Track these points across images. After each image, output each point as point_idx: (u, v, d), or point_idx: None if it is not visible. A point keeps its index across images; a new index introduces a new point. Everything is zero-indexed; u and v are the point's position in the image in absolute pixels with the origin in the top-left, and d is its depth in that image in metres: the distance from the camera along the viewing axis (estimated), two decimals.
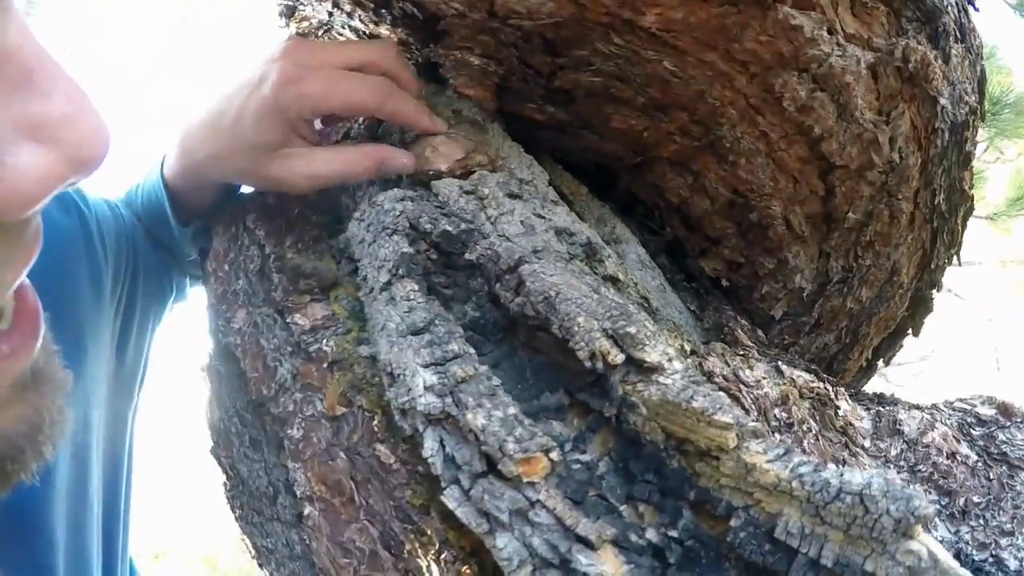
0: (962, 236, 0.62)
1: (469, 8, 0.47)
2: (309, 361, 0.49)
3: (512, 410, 0.38)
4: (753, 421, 0.36)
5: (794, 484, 0.33)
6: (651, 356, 0.39)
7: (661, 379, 0.38)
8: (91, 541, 0.58)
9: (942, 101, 0.54)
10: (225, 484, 0.54)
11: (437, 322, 0.43)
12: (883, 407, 0.52)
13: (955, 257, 0.63)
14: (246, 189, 0.61)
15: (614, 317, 0.40)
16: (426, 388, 0.39)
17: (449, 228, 0.48)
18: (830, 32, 0.50)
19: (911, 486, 0.48)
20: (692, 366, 0.40)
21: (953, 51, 0.54)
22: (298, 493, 0.51)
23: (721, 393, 0.38)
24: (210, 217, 0.60)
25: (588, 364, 0.39)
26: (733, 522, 0.35)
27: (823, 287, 0.63)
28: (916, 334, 0.68)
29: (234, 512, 0.55)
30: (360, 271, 0.51)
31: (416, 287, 0.45)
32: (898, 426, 0.51)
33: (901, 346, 0.70)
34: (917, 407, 0.53)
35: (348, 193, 0.55)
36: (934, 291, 0.66)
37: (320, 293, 0.52)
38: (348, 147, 0.54)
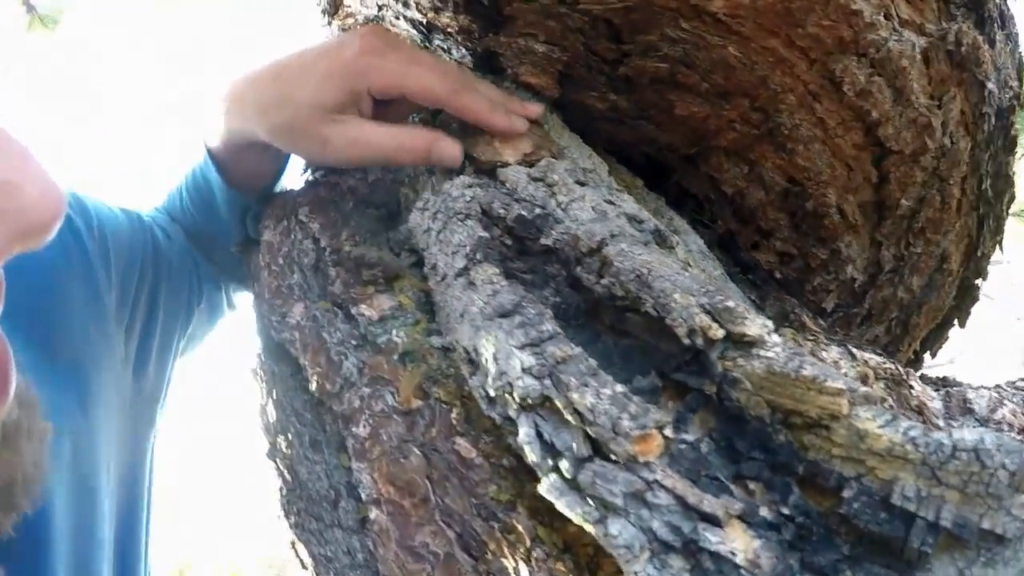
0: (1005, 223, 0.62)
1: None
2: (378, 353, 0.47)
3: (620, 388, 0.37)
4: (863, 387, 0.36)
5: (908, 447, 0.32)
6: (751, 329, 0.38)
7: (763, 352, 0.37)
8: None
9: (989, 85, 0.55)
10: (281, 489, 0.52)
11: (525, 304, 0.42)
12: (950, 388, 0.52)
13: (999, 245, 0.64)
14: (293, 176, 0.60)
15: (710, 292, 0.40)
16: (524, 370, 0.38)
17: (524, 213, 0.47)
18: (887, 17, 0.50)
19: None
20: (788, 339, 0.39)
21: (997, 37, 0.55)
22: (363, 496, 0.49)
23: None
24: (260, 205, 0.58)
25: (687, 341, 0.38)
26: (846, 493, 0.34)
27: (874, 277, 0.63)
28: (963, 325, 0.68)
29: (288, 519, 0.52)
30: (427, 260, 0.49)
31: (497, 271, 0.44)
32: (968, 404, 0.51)
33: (947, 338, 0.70)
34: (982, 387, 0.53)
35: (407, 183, 0.54)
36: (980, 280, 0.66)
37: (384, 284, 0.50)
38: (401, 127, 0.52)
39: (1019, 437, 0.49)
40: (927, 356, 0.72)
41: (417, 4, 0.52)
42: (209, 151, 0.58)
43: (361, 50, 0.48)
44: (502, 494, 0.43)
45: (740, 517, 0.33)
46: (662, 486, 0.34)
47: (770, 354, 0.37)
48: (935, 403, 0.51)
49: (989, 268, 0.70)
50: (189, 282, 0.67)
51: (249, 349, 0.56)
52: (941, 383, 0.54)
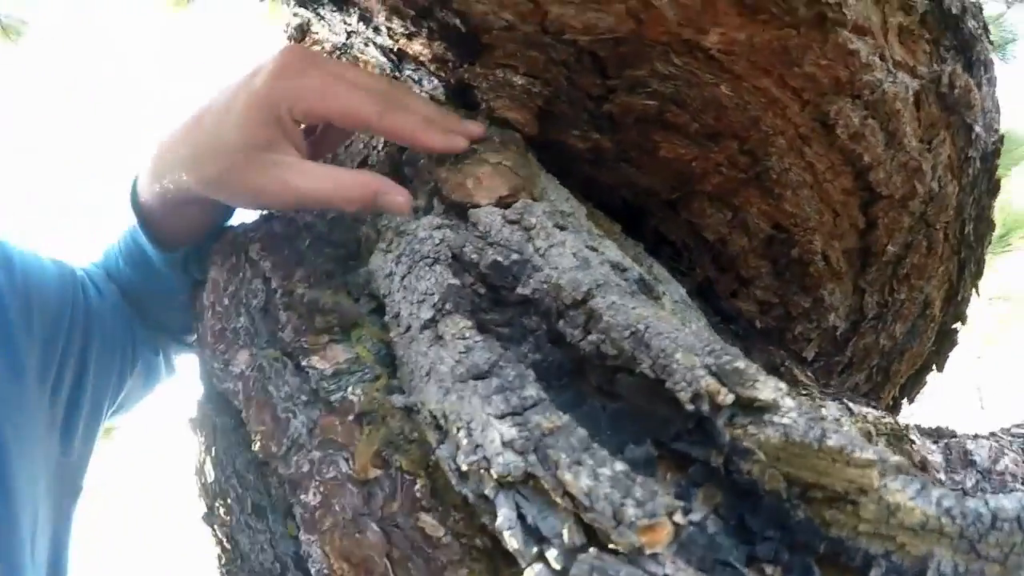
0: (984, 267, 0.61)
1: (520, 20, 0.43)
2: (331, 412, 0.42)
3: (620, 466, 0.32)
4: (894, 456, 0.32)
5: (944, 520, 0.29)
6: (764, 393, 0.34)
7: (777, 418, 0.33)
8: None
9: (977, 129, 0.54)
10: (219, 558, 0.46)
11: (503, 363, 0.37)
12: (948, 439, 0.49)
13: (976, 288, 0.62)
14: (236, 218, 0.54)
15: (716, 352, 0.36)
16: (504, 444, 0.33)
17: (499, 258, 0.42)
18: (881, 59, 0.48)
19: None
20: (805, 403, 0.35)
21: (983, 79, 0.54)
22: (312, 570, 0.43)
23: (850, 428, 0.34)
24: (203, 246, 0.52)
25: (691, 407, 0.34)
26: (874, 573, 0.30)
27: (857, 325, 0.60)
28: (940, 369, 0.67)
29: None
30: (389, 308, 0.44)
31: (469, 323, 0.39)
32: (969, 456, 0.48)
33: (925, 383, 0.68)
34: (979, 436, 0.50)
35: (369, 223, 0.49)
36: (959, 324, 0.65)
37: (340, 333, 0.45)
38: (343, 169, 0.47)
39: (1022, 488, 0.47)
40: (904, 402, 0.70)
41: (388, 30, 0.47)
42: (140, 213, 0.52)
43: (273, 73, 0.43)
44: None
45: None
46: None
47: (785, 420, 0.33)
48: (936, 456, 0.49)
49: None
50: (123, 344, 0.61)
51: (190, 396, 0.50)
52: (936, 434, 0.52)
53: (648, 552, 0.30)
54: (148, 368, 0.65)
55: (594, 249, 0.46)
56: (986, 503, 0.30)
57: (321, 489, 0.41)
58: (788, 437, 0.32)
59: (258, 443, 0.43)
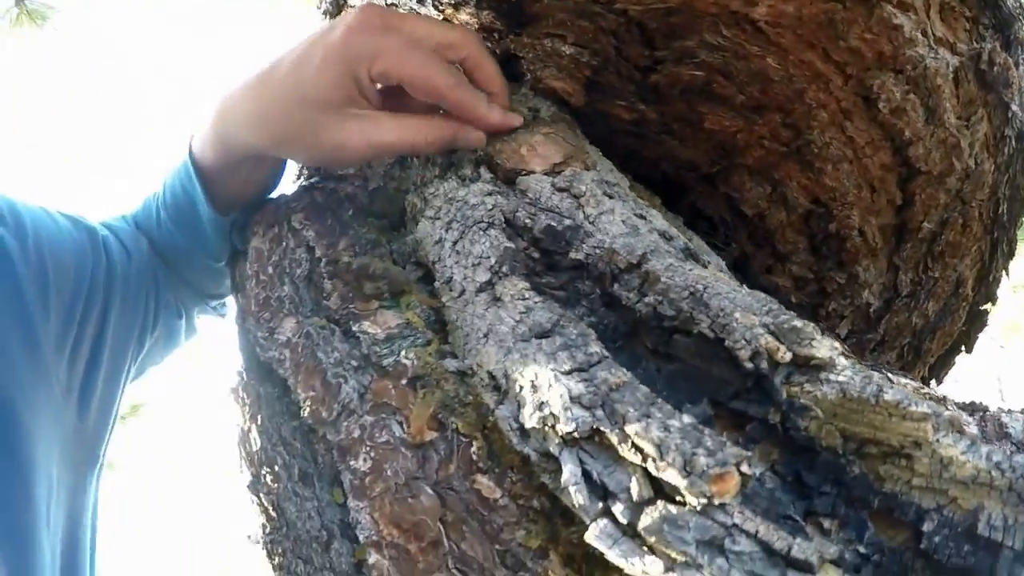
0: (1016, 248, 0.61)
1: None
2: (384, 376, 0.42)
3: (687, 419, 0.32)
4: (947, 411, 0.32)
5: (994, 473, 0.30)
6: (821, 351, 0.34)
7: (833, 376, 0.34)
8: None
9: (1013, 107, 0.54)
10: (264, 527, 0.46)
11: (564, 323, 0.37)
12: (983, 412, 0.50)
13: (1007, 270, 0.63)
14: (288, 183, 0.54)
15: (773, 312, 0.36)
16: (572, 399, 0.33)
17: (552, 223, 0.42)
18: (924, 34, 0.49)
19: None
20: (857, 361, 0.35)
21: (1021, 59, 0.55)
22: (361, 537, 0.43)
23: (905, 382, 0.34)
24: (248, 213, 0.52)
25: (749, 365, 0.35)
26: (926, 526, 0.30)
27: (890, 302, 0.61)
28: (969, 351, 0.67)
29: (272, 560, 0.46)
30: (440, 274, 0.44)
31: (527, 285, 0.40)
32: (1004, 429, 0.48)
33: (954, 363, 0.69)
34: (1012, 410, 0.51)
35: (414, 191, 0.49)
36: (989, 304, 0.65)
37: (389, 299, 0.45)
38: (417, 116, 0.47)
39: None
40: (932, 383, 0.70)
41: (434, 1, 0.47)
42: (196, 168, 0.52)
43: (352, 28, 0.42)
44: (532, 539, 0.38)
45: (834, 562, 0.29)
46: (743, 531, 0.29)
47: (842, 378, 0.34)
48: (972, 428, 0.49)
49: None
50: (144, 307, 0.60)
51: (230, 366, 0.50)
52: (971, 408, 0.52)
53: (717, 502, 0.30)
54: (169, 331, 0.65)
55: (642, 217, 0.46)
56: None
57: (372, 454, 0.41)
58: (845, 393, 0.33)
59: (307, 409, 0.44)
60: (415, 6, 0.50)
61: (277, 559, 0.46)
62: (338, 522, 0.45)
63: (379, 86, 0.46)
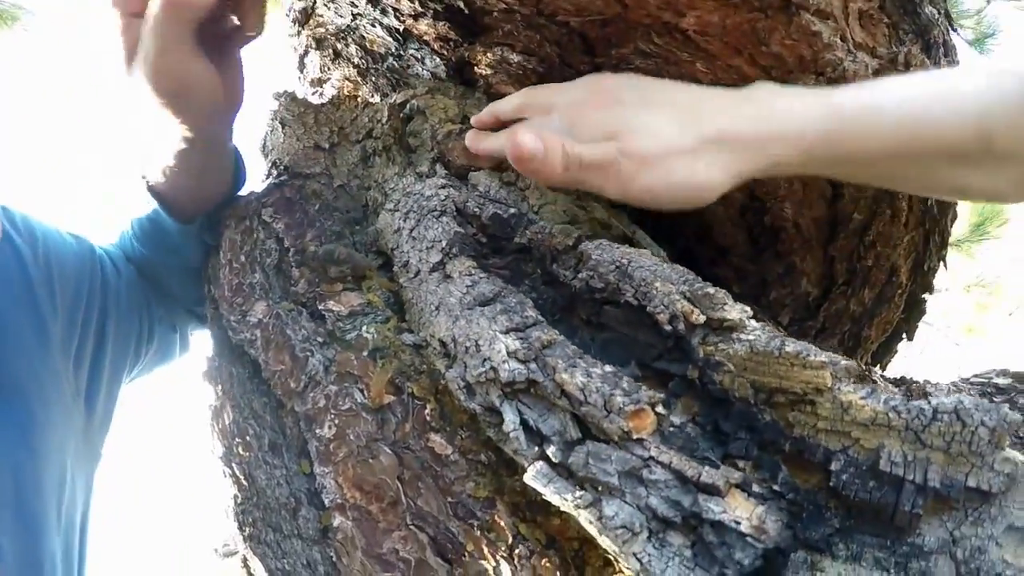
0: (948, 239, 0.66)
1: (518, 2, 0.48)
2: (347, 349, 0.46)
3: (608, 368, 0.36)
4: (844, 360, 0.36)
5: (891, 415, 0.33)
6: (732, 314, 0.38)
7: (743, 335, 0.38)
8: None
9: None
10: (235, 497, 0.49)
11: (505, 293, 0.41)
12: (910, 384, 0.54)
13: (943, 260, 0.67)
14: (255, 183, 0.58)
15: (689, 281, 0.40)
16: (510, 354, 0.37)
17: (498, 211, 0.47)
18: (842, 40, 0.54)
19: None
20: (767, 325, 0.39)
21: (943, 61, 0.60)
22: (326, 502, 0.46)
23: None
24: (218, 211, 0.56)
25: (668, 328, 0.39)
26: (833, 466, 0.34)
27: (828, 291, 0.65)
28: (911, 338, 0.71)
29: (243, 531, 0.49)
30: (398, 259, 0.48)
31: (474, 263, 0.44)
32: (928, 395, 0.52)
33: (896, 351, 0.73)
34: (939, 383, 0.54)
35: (375, 187, 0.53)
36: (927, 294, 0.70)
37: (352, 282, 0.49)
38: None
39: None
40: (877, 369, 0.74)
41: (395, 12, 0.52)
42: (152, 190, 0.55)
43: None
44: (480, 490, 0.41)
45: (739, 486, 0.33)
46: (658, 462, 0.33)
47: (751, 336, 0.38)
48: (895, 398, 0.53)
49: (931, 297, 0.74)
50: (139, 320, 0.64)
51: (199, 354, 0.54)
52: (899, 381, 0.56)
53: (635, 437, 0.34)
54: (165, 344, 0.68)
55: (583, 208, 0.50)
56: (928, 401, 0.34)
57: (336, 421, 0.45)
58: (753, 348, 0.37)
59: (277, 382, 0.47)
60: (377, 16, 0.54)
61: (248, 529, 0.49)
62: (305, 491, 0.48)
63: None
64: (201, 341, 0.70)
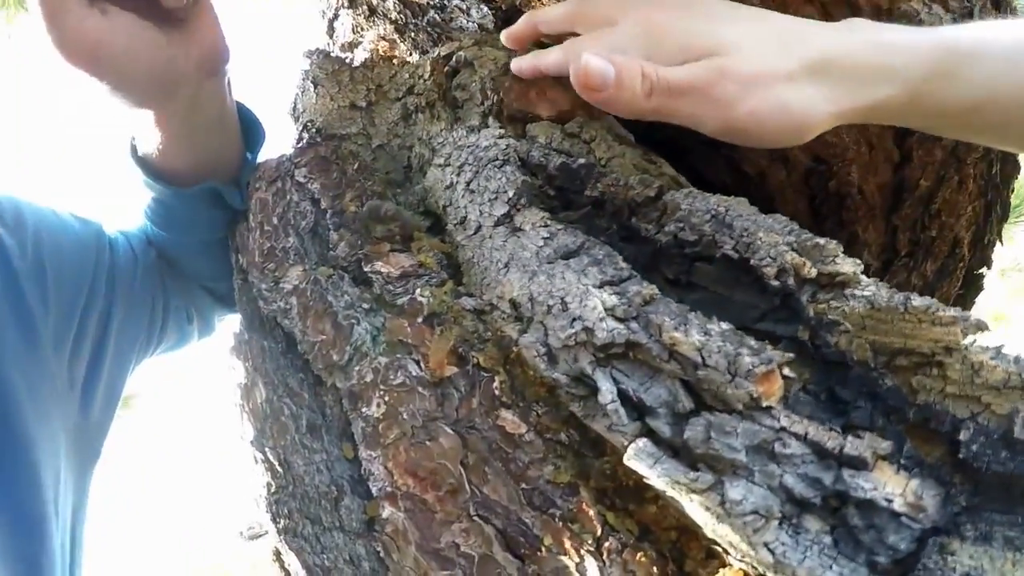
0: (1009, 211, 0.63)
1: None
2: (400, 315, 0.41)
3: (726, 325, 0.32)
4: (972, 316, 0.32)
5: None
6: (845, 267, 0.34)
7: (859, 291, 0.33)
8: None
9: None
10: (269, 486, 0.44)
11: (589, 245, 0.37)
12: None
13: (1000, 235, 0.64)
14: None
15: (796, 232, 0.36)
16: (607, 310, 0.32)
17: (567, 161, 0.42)
18: None
19: None
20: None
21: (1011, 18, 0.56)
22: (374, 490, 0.41)
23: None
24: (247, 173, 0.51)
25: (775, 283, 0.34)
26: (962, 435, 0.30)
27: (889, 263, 0.61)
28: None
29: (277, 522, 0.44)
30: (453, 216, 0.43)
31: (547, 214, 0.39)
32: None
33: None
34: None
35: (421, 143, 0.48)
36: (985, 269, 0.66)
37: (400, 243, 0.44)
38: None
39: None
40: None
41: None
42: (143, 164, 0.51)
43: None
44: (561, 475, 0.36)
45: (886, 458, 0.28)
46: (791, 433, 0.29)
47: (867, 292, 0.33)
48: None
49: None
50: (152, 308, 0.60)
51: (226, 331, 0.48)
52: None
53: (764, 404, 0.29)
54: (179, 334, 0.65)
55: (652, 162, 0.46)
56: None
57: (386, 398, 0.40)
58: (873, 305, 0.32)
59: (317, 355, 0.42)
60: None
61: (283, 521, 0.44)
62: (348, 478, 0.43)
63: None
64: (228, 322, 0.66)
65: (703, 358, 0.30)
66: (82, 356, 0.53)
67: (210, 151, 0.51)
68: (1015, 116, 0.40)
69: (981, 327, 0.33)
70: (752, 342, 0.30)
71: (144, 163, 0.51)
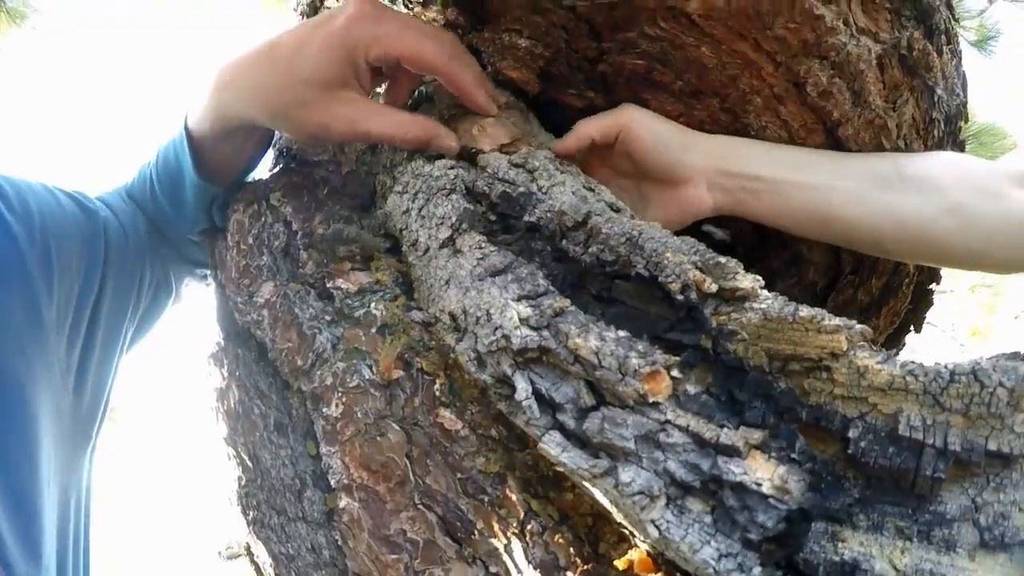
0: None
1: None
2: (356, 326, 0.45)
3: (623, 333, 0.36)
4: (857, 324, 0.36)
5: (908, 379, 0.33)
6: (744, 283, 0.38)
7: (757, 304, 0.37)
8: None
9: (938, 91, 0.59)
10: (239, 479, 0.48)
11: (516, 264, 0.41)
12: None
13: None
14: (264, 171, 0.58)
15: (700, 251, 0.40)
16: (522, 320, 0.37)
17: (508, 190, 0.46)
18: (845, 24, 0.54)
19: None
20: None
21: (944, 48, 0.60)
22: (332, 482, 0.46)
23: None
24: (228, 194, 0.56)
25: (680, 297, 0.38)
26: (851, 433, 0.34)
27: (835, 281, 0.65)
28: (918, 330, 0.71)
29: (247, 515, 0.48)
30: (406, 239, 0.48)
31: (484, 238, 0.43)
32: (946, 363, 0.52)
33: (904, 344, 0.73)
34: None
35: (384, 171, 0.53)
36: (933, 284, 0.69)
37: (361, 262, 0.49)
38: (402, 112, 0.51)
39: None
40: None
41: (405, 0, 0.53)
42: (188, 135, 0.55)
43: (354, 16, 0.46)
44: (491, 466, 0.41)
45: (759, 448, 0.32)
46: (675, 425, 0.33)
47: (763, 305, 0.37)
48: None
49: (936, 298, 0.74)
50: (137, 287, 0.62)
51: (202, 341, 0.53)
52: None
53: (651, 400, 0.33)
54: (156, 307, 0.66)
55: (591, 190, 0.50)
56: (944, 365, 0.33)
57: (344, 399, 0.44)
58: (766, 315, 0.36)
59: (283, 360, 0.47)
60: (386, 3, 0.55)
61: (252, 513, 0.48)
62: (311, 472, 0.47)
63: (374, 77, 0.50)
64: (206, 326, 0.69)
65: (599, 360, 0.34)
66: (76, 341, 0.55)
67: (248, 158, 0.57)
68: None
69: (865, 335, 0.37)
70: (641, 346, 0.34)
71: (191, 140, 0.54)
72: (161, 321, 0.67)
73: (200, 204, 0.57)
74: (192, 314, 0.70)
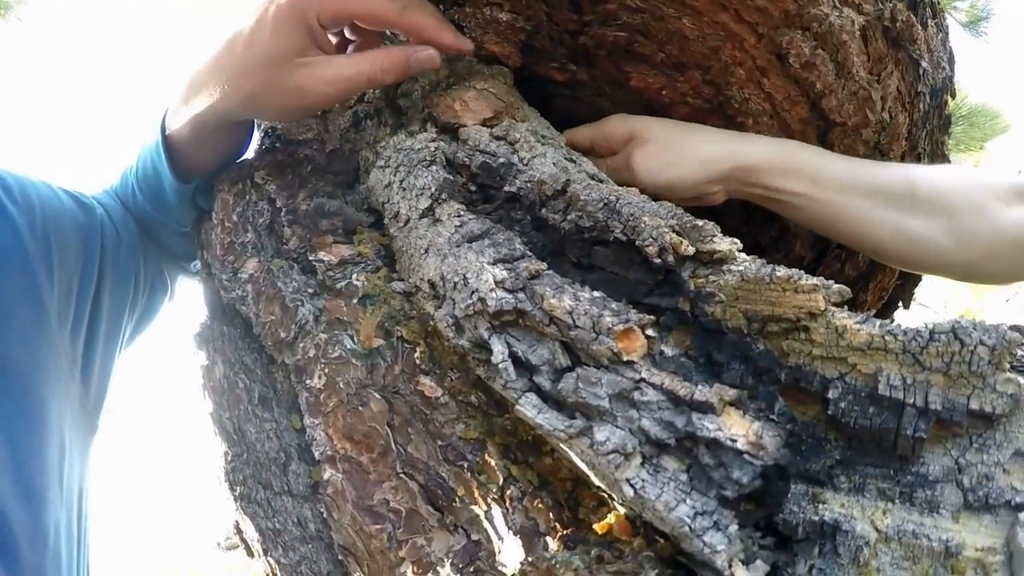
0: None
1: None
2: (337, 297, 0.45)
3: (597, 293, 0.36)
4: (834, 284, 0.36)
5: (887, 338, 0.33)
6: (721, 245, 0.38)
7: (734, 266, 0.37)
8: None
9: (923, 64, 0.59)
10: (225, 455, 0.48)
11: (494, 230, 0.41)
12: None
13: None
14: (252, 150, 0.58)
15: (678, 215, 0.40)
16: (497, 283, 0.37)
17: (488, 161, 0.47)
18: None
19: None
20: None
21: (930, 21, 0.60)
22: (317, 455, 0.46)
23: None
24: (213, 177, 0.56)
25: (657, 260, 0.38)
26: (831, 394, 0.34)
27: (822, 255, 0.65)
28: (907, 306, 0.71)
29: (233, 491, 0.48)
30: (388, 211, 0.48)
31: (463, 207, 0.44)
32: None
33: (893, 319, 0.72)
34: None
35: (368, 147, 0.53)
36: None
37: (343, 236, 0.49)
38: (370, 50, 0.50)
39: None
40: None
41: None
42: (165, 140, 0.55)
43: None
44: (470, 432, 0.41)
45: (734, 404, 0.32)
46: (649, 383, 0.33)
47: (740, 267, 0.37)
48: None
49: (926, 279, 0.73)
50: (134, 284, 0.63)
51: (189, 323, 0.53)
52: None
53: (625, 358, 0.33)
54: (153, 303, 0.67)
55: (572, 161, 0.50)
56: (924, 324, 0.33)
57: (326, 370, 0.45)
58: (743, 277, 0.36)
59: (267, 332, 0.47)
60: None
61: (239, 488, 0.49)
62: (296, 445, 0.47)
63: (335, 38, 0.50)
64: (193, 308, 0.69)
65: (573, 320, 0.34)
66: (79, 336, 0.56)
67: (225, 155, 0.57)
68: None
69: (843, 294, 0.36)
70: (615, 305, 0.34)
71: (168, 145, 0.55)
72: (158, 317, 0.69)
73: (184, 204, 0.57)
74: (183, 310, 0.71)
